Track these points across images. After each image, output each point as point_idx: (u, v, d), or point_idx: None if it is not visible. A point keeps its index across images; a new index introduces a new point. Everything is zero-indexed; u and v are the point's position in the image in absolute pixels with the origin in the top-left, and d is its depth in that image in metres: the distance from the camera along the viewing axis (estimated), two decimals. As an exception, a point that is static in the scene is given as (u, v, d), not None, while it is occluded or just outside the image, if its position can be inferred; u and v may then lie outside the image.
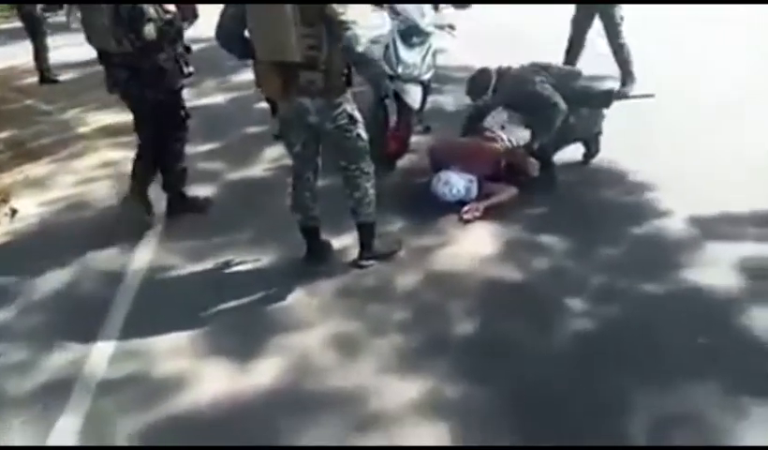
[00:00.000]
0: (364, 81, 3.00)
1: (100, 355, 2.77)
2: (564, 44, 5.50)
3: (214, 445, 2.28)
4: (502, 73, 4.13)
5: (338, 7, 2.64)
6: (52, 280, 3.38)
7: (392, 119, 4.19)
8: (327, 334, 2.78)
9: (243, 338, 2.79)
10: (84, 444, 2.32)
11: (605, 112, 4.12)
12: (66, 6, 12.42)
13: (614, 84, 4.33)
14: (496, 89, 4.11)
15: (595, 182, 4.08)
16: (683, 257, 3.16)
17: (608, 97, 4.04)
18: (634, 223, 3.52)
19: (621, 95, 4.03)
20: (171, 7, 3.51)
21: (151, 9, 3.35)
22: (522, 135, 4.15)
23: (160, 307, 3.08)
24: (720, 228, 3.40)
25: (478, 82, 4.22)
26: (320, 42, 2.70)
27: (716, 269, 3.01)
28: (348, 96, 2.94)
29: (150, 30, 3.34)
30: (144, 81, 3.54)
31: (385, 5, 4.72)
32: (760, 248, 3.17)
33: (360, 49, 2.70)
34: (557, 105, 3.83)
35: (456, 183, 3.79)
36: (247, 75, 3.54)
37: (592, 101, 4.04)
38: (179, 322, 2.92)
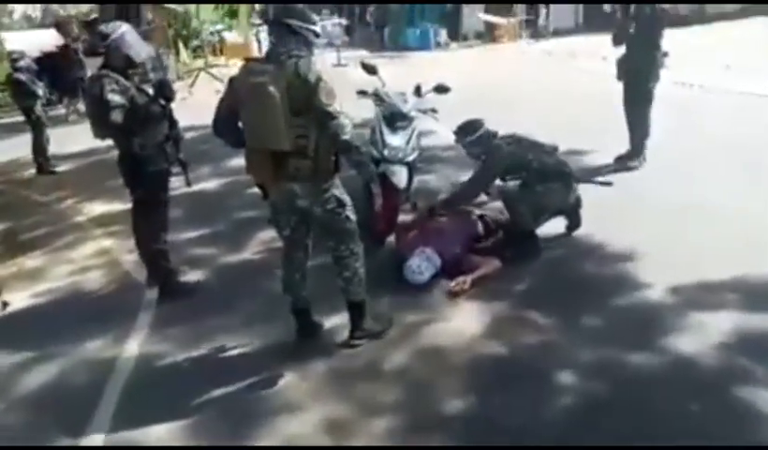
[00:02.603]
0: (351, 166, 3.14)
1: (89, 450, 2.73)
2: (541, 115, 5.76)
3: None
4: (489, 132, 4.36)
5: (326, 98, 2.80)
6: (40, 373, 3.38)
7: (378, 202, 4.35)
8: (318, 418, 2.77)
9: (235, 427, 2.77)
10: None
11: (576, 185, 4.29)
12: (65, 99, 12.96)
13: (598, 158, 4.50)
14: (480, 138, 4.31)
15: (575, 254, 4.19)
16: (666, 329, 3.20)
17: (567, 178, 4.23)
18: (616, 295, 3.59)
19: (582, 178, 4.20)
20: (148, 88, 3.70)
21: (117, 97, 3.51)
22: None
23: (150, 397, 3.07)
24: (701, 297, 3.46)
25: (467, 126, 4.43)
26: (309, 131, 2.85)
27: (699, 341, 3.05)
28: (337, 181, 3.07)
29: (116, 117, 3.50)
30: (124, 165, 3.71)
31: (370, 92, 4.97)
32: (743, 318, 3.22)
33: (346, 137, 2.85)
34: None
35: (423, 265, 3.88)
36: (240, 161, 3.68)
37: (555, 178, 4.20)
38: (169, 412, 2.90)
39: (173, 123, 3.93)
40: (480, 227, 4.30)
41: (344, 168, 3.09)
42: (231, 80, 3.07)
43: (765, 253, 3.84)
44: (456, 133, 4.54)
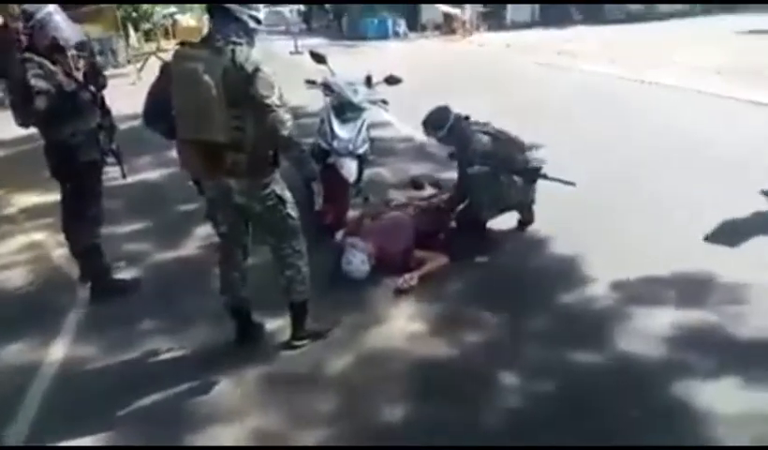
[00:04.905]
0: (290, 163, 2.99)
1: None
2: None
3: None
4: (459, 118, 4.25)
5: (264, 90, 2.61)
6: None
7: (319, 201, 4.22)
8: (248, 429, 2.63)
9: (161, 438, 2.60)
10: None
11: (535, 185, 4.26)
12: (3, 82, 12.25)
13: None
14: (451, 129, 4.19)
15: (522, 250, 4.17)
16: (609, 325, 3.20)
17: (534, 174, 4.19)
18: (561, 292, 3.57)
19: (544, 175, 4.18)
20: (77, 74, 3.45)
21: (41, 82, 3.25)
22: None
23: (74, 406, 2.86)
24: (643, 293, 3.48)
25: (435, 116, 4.29)
26: (245, 123, 2.67)
27: (641, 337, 3.06)
28: (277, 176, 2.90)
29: (40, 103, 3.25)
30: (52, 154, 3.46)
31: (318, 82, 4.82)
32: (683, 314, 3.25)
33: (285, 132, 2.67)
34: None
35: (351, 257, 3.80)
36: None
37: (522, 173, 4.16)
38: (93, 422, 2.71)
39: (106, 111, 3.68)
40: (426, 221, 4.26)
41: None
42: (164, 66, 2.87)
43: (705, 249, 3.90)
44: (425, 126, 4.37)
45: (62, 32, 3.45)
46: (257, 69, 2.61)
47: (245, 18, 2.71)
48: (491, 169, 4.05)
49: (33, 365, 3.20)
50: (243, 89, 2.60)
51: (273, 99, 2.64)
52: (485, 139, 4.14)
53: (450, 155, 4.44)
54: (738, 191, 4.74)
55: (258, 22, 2.79)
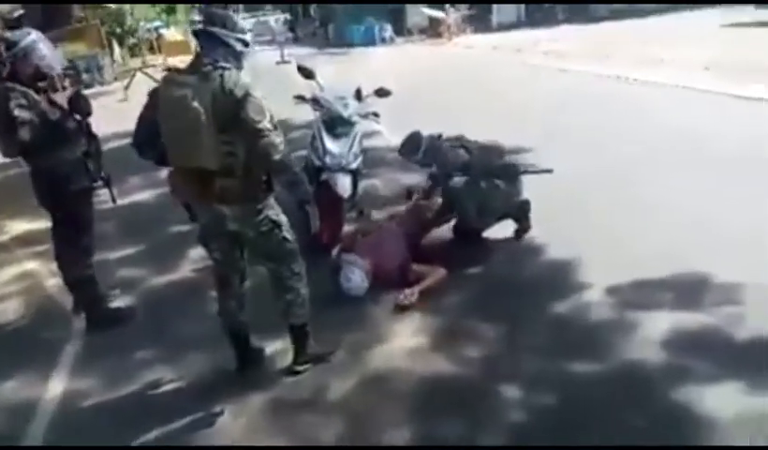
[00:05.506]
0: (283, 187, 2.95)
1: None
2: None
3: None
4: (432, 139, 4.32)
5: (254, 114, 2.57)
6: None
7: (315, 223, 4.16)
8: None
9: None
10: None
11: (521, 185, 4.28)
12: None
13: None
14: (426, 152, 4.27)
15: (518, 258, 4.17)
16: (607, 333, 3.19)
17: (510, 171, 4.23)
18: (557, 300, 3.56)
19: (520, 170, 4.24)
20: (62, 102, 3.41)
21: (24, 113, 3.22)
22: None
23: (74, 444, 2.80)
24: (639, 297, 3.48)
25: (409, 143, 4.38)
26: (236, 148, 2.63)
27: (639, 344, 3.05)
28: (271, 201, 2.86)
29: (24, 134, 3.21)
30: (38, 184, 3.44)
31: (308, 97, 4.79)
32: (680, 317, 3.24)
33: (277, 157, 2.64)
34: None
35: (349, 273, 3.78)
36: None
37: (498, 174, 4.18)
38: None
39: (92, 137, 3.64)
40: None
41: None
42: (152, 92, 2.84)
43: (701, 248, 3.89)
44: (401, 153, 4.48)
45: (46, 61, 3.41)
46: (247, 94, 2.58)
47: (232, 41, 2.68)
48: (470, 178, 4.11)
49: (31, 402, 3.14)
50: (233, 114, 2.56)
51: (265, 123, 2.60)
52: (460, 152, 4.25)
53: (431, 175, 4.55)
54: (734, 189, 4.74)
55: (246, 44, 2.76)
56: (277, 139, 2.64)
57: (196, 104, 2.52)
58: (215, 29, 2.66)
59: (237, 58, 2.71)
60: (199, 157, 2.61)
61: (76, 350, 3.60)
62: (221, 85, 2.55)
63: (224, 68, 2.60)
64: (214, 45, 2.65)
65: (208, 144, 2.57)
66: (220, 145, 2.59)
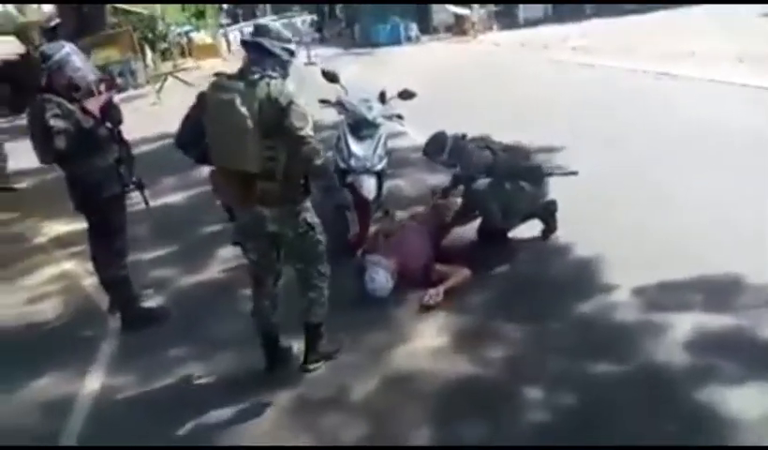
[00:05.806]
0: (320, 191, 3.01)
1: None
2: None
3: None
4: (457, 139, 4.33)
5: (297, 121, 2.70)
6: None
7: (354, 228, 4.19)
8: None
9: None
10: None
11: (547, 186, 4.26)
12: (27, 110, 12.58)
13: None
14: (451, 152, 4.27)
15: (542, 258, 4.15)
16: (633, 334, 3.17)
17: (536, 173, 4.21)
18: (582, 300, 3.55)
19: (546, 172, 4.21)
20: (95, 111, 3.53)
21: (59, 122, 3.35)
22: None
23: (112, 439, 2.93)
24: (666, 298, 3.44)
25: (434, 143, 4.40)
26: (278, 153, 2.76)
27: (666, 346, 3.02)
28: (307, 204, 2.98)
29: (59, 143, 3.35)
30: (74, 190, 3.58)
31: (333, 101, 4.85)
32: (707, 319, 3.20)
33: (319, 162, 2.79)
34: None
35: (374, 274, 3.79)
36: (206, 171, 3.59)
37: (524, 175, 4.16)
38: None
39: (124, 143, 3.78)
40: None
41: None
42: (200, 95, 2.99)
43: (731, 248, 3.82)
44: (426, 153, 4.49)
45: (80, 72, 3.56)
46: (291, 102, 2.72)
47: (279, 51, 2.83)
48: (494, 179, 4.11)
49: (68, 398, 3.27)
50: (277, 121, 2.70)
51: (307, 130, 2.74)
52: (485, 153, 4.25)
53: (454, 176, 4.55)
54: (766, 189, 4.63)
55: (292, 53, 2.93)
56: (318, 145, 2.78)
57: (243, 109, 2.66)
58: (263, 40, 2.81)
59: (283, 67, 2.87)
60: (243, 160, 2.74)
61: (112, 348, 3.74)
62: (267, 94, 2.70)
63: (270, 77, 2.75)
64: (262, 55, 2.81)
65: (252, 149, 2.70)
66: (263, 150, 2.73)
